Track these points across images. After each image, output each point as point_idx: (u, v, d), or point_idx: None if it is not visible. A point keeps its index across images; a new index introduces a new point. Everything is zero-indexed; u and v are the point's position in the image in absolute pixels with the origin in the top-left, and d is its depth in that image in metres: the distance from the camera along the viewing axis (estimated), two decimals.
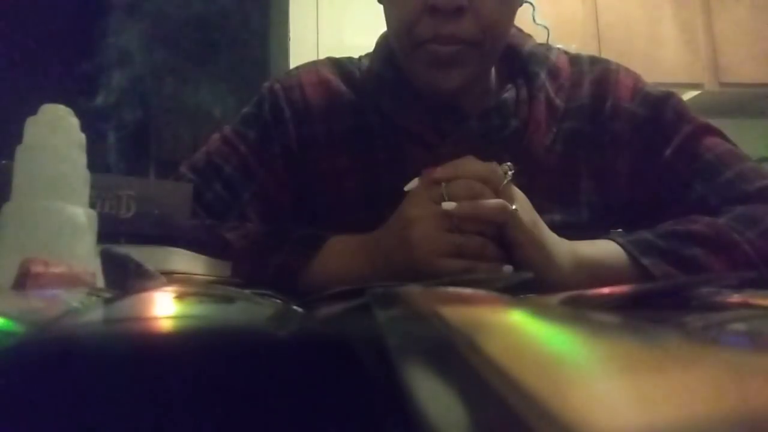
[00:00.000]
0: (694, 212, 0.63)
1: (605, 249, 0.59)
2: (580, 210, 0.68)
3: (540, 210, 0.59)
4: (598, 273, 0.57)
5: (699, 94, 2.51)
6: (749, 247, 0.59)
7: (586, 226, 0.67)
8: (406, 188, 0.56)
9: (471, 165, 0.54)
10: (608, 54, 2.28)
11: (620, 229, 0.71)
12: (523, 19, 0.74)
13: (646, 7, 2.49)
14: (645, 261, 0.58)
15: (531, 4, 0.71)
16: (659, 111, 0.69)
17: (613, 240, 0.60)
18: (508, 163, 0.55)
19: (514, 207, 0.53)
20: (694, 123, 0.69)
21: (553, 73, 0.70)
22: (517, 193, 0.55)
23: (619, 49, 2.34)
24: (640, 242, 0.60)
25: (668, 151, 0.68)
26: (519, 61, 0.70)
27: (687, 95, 2.54)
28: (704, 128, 0.69)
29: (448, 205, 0.52)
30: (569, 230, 0.60)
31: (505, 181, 0.54)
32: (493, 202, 0.52)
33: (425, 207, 0.53)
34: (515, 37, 0.72)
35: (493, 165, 0.55)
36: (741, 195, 0.64)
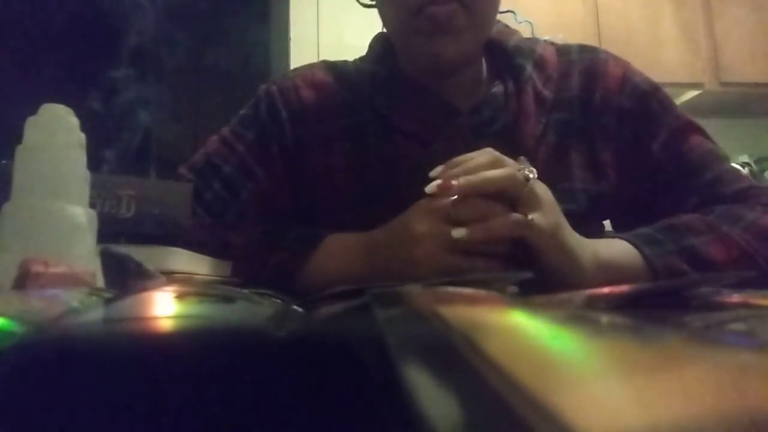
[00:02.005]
0: (675, 210, 0.64)
1: (621, 249, 0.59)
2: (577, 198, 0.68)
3: None
4: (618, 274, 0.56)
5: (699, 94, 2.51)
6: (740, 240, 0.60)
7: (584, 215, 0.67)
8: (428, 189, 0.52)
9: (490, 175, 0.51)
10: None
11: (614, 219, 0.73)
12: (510, 20, 0.76)
13: (646, 7, 2.49)
14: (646, 251, 0.58)
15: (513, 12, 0.72)
16: (645, 103, 0.70)
17: (622, 238, 0.60)
18: (527, 165, 0.53)
19: (531, 217, 0.50)
20: (680, 119, 0.70)
21: (540, 65, 0.70)
22: (541, 194, 0.52)
23: (619, 49, 2.32)
24: (641, 236, 0.60)
25: (655, 146, 0.69)
26: (505, 56, 0.71)
27: (687, 95, 2.54)
28: (688, 125, 0.70)
29: (458, 233, 0.49)
30: (567, 219, 0.61)
31: (527, 186, 0.51)
32: (506, 221, 0.50)
33: (431, 225, 0.51)
34: (501, 34, 0.73)
35: (512, 170, 0.52)
36: (719, 197, 0.66)
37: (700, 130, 0.71)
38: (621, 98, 0.70)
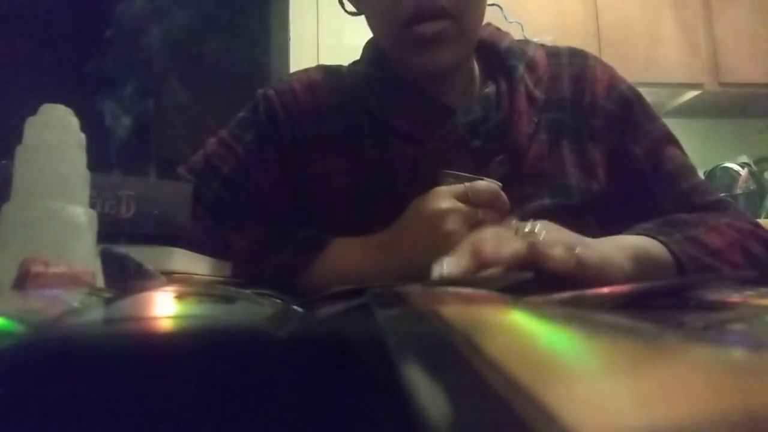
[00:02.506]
0: (651, 215, 0.66)
1: (645, 241, 0.58)
2: (571, 194, 0.69)
3: (528, 196, 0.63)
4: (650, 265, 0.55)
5: (699, 94, 2.51)
6: (727, 230, 0.63)
7: (579, 209, 0.69)
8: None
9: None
10: (608, 54, 2.28)
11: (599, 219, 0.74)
12: (500, 19, 0.78)
13: (646, 7, 2.49)
14: (663, 239, 0.58)
15: (499, 6, 0.74)
16: (630, 110, 0.73)
17: (633, 233, 0.60)
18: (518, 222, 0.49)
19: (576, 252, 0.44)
20: (661, 130, 0.73)
21: (531, 67, 0.72)
22: (553, 232, 0.48)
23: (619, 49, 2.34)
24: (648, 230, 0.60)
25: (637, 151, 0.71)
26: (497, 57, 0.72)
27: (687, 95, 2.54)
28: (668, 136, 0.73)
29: (524, 275, 0.39)
30: (561, 214, 0.63)
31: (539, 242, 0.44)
32: (560, 260, 0.43)
33: (453, 202, 0.55)
34: (493, 35, 0.74)
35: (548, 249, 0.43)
36: (692, 206, 0.69)
37: (677, 143, 0.74)
38: (608, 102, 0.73)
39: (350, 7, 0.74)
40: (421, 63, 0.64)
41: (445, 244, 0.52)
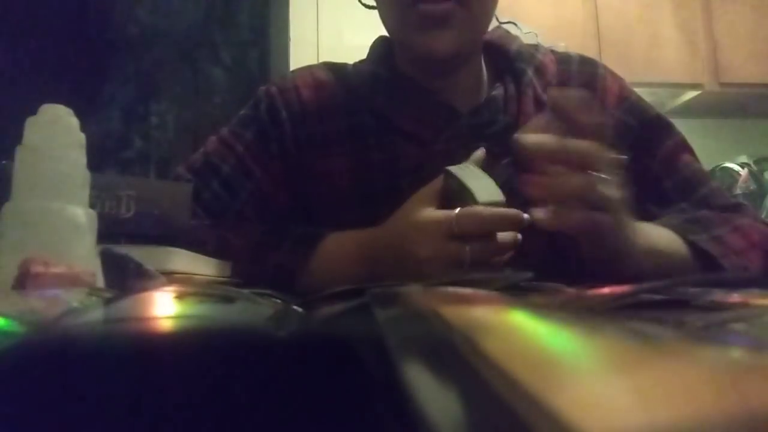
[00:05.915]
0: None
1: (668, 236, 0.60)
2: None
3: (533, 202, 0.61)
4: (665, 260, 0.57)
5: (699, 94, 2.51)
6: (749, 231, 0.64)
7: None
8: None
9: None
10: (608, 54, 2.28)
11: None
12: (514, 31, 0.78)
13: (646, 7, 2.49)
14: (691, 238, 0.59)
15: (515, 24, 0.74)
16: (643, 120, 0.73)
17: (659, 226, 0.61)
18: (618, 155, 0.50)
19: (610, 220, 0.50)
20: (676, 137, 0.73)
21: (540, 71, 0.72)
22: (614, 193, 0.51)
23: (619, 49, 2.33)
24: (676, 226, 0.61)
25: (653, 161, 0.71)
26: (506, 60, 0.72)
27: (687, 95, 2.54)
28: (682, 144, 0.74)
29: (538, 213, 0.49)
30: None
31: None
32: (586, 218, 0.49)
33: (436, 246, 0.52)
34: (502, 38, 0.74)
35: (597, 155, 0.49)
36: (712, 209, 0.69)
37: (690, 149, 0.75)
38: (619, 112, 0.73)
39: None
40: (424, 44, 0.63)
41: (418, 256, 0.53)
